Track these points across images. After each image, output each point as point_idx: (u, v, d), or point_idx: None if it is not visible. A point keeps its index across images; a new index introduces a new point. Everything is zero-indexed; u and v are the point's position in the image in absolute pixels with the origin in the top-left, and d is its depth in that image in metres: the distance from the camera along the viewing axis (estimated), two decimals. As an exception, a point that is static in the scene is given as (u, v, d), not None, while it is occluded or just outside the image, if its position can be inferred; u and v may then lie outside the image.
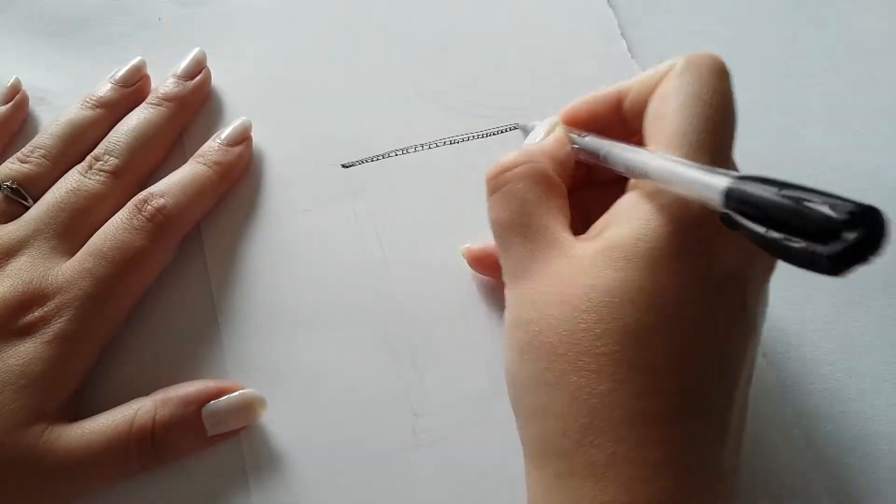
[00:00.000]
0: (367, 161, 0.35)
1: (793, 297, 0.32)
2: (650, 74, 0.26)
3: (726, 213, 0.20)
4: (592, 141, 0.27)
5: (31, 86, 0.36)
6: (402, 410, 0.30)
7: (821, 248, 0.17)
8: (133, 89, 0.35)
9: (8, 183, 0.31)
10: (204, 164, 0.33)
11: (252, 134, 0.35)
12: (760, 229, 0.19)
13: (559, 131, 0.28)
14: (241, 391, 0.29)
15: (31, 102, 0.36)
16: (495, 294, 0.32)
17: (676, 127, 0.24)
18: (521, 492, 0.24)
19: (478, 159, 0.35)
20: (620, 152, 0.25)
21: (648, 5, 0.39)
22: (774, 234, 0.18)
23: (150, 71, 0.36)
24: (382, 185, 0.34)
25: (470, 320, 0.31)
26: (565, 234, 0.25)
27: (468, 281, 0.32)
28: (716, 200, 0.20)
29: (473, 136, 0.35)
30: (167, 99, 0.34)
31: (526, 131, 0.31)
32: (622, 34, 0.38)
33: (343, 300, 0.32)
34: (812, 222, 0.18)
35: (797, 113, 0.36)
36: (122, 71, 0.35)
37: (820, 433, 0.30)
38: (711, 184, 0.20)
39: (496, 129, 0.36)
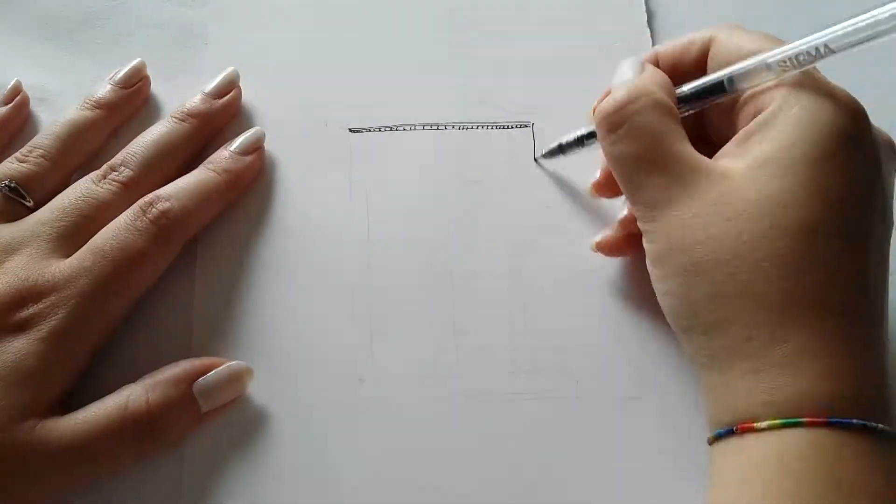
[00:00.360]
0: (374, 130, 0.35)
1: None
2: (687, 38, 0.28)
3: None
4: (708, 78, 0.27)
5: (31, 86, 0.36)
6: (350, 375, 0.31)
7: None
8: (133, 90, 0.35)
9: (6, 182, 0.31)
10: (213, 170, 0.32)
11: (264, 139, 0.35)
12: None
13: (650, 66, 0.28)
14: (227, 364, 0.29)
15: (31, 103, 0.36)
16: (469, 281, 0.32)
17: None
18: (447, 465, 0.27)
19: (482, 148, 0.35)
20: (777, 55, 0.25)
21: (686, 26, 0.39)
22: None
23: (150, 72, 0.36)
24: (383, 157, 0.35)
25: (433, 301, 0.32)
26: (702, 158, 0.26)
27: (443, 262, 0.33)
28: None
29: (483, 126, 0.36)
30: (192, 115, 0.34)
31: (562, 150, 0.33)
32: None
33: (318, 260, 0.33)
34: None
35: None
36: (122, 72, 0.35)
37: None
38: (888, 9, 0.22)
39: (507, 123, 0.36)
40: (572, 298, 0.32)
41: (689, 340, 0.26)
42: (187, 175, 0.32)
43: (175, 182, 0.32)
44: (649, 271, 0.27)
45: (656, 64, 0.29)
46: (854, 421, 0.22)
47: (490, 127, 0.36)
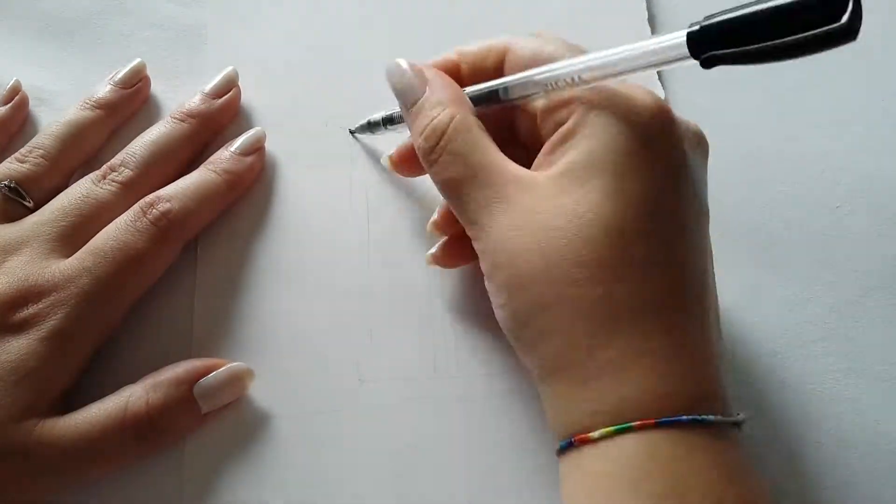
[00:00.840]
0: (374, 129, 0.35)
1: (793, 296, 0.32)
2: (486, 44, 0.29)
3: (707, 57, 0.21)
4: (486, 84, 0.28)
5: (31, 86, 0.36)
6: (350, 375, 0.31)
7: (828, 27, 0.18)
8: (133, 91, 0.35)
9: (6, 182, 0.31)
10: (214, 171, 0.32)
11: (265, 140, 0.35)
12: (754, 47, 0.20)
13: (433, 73, 0.29)
14: (228, 365, 0.29)
15: (31, 103, 0.36)
16: (469, 281, 0.32)
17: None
18: (446, 465, 0.27)
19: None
20: (542, 73, 0.26)
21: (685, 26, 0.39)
22: (770, 43, 0.20)
23: (150, 72, 0.36)
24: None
25: (433, 301, 0.32)
26: (514, 167, 0.26)
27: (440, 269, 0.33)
28: (682, 52, 0.21)
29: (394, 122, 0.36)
30: (191, 115, 0.34)
31: (370, 126, 0.33)
32: None
33: (318, 260, 0.33)
34: (799, 7, 0.19)
35: (797, 113, 0.36)
36: (122, 73, 0.35)
37: (820, 433, 0.30)
38: (671, 41, 0.22)
39: None
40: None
41: (521, 353, 0.26)
42: (188, 176, 0.32)
43: (176, 183, 0.32)
44: (486, 287, 0.27)
45: (456, 66, 0.30)
46: (683, 417, 0.22)
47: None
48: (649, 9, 0.38)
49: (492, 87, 0.28)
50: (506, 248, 0.25)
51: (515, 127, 0.30)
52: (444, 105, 0.27)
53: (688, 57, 0.21)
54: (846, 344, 0.31)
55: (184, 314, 0.32)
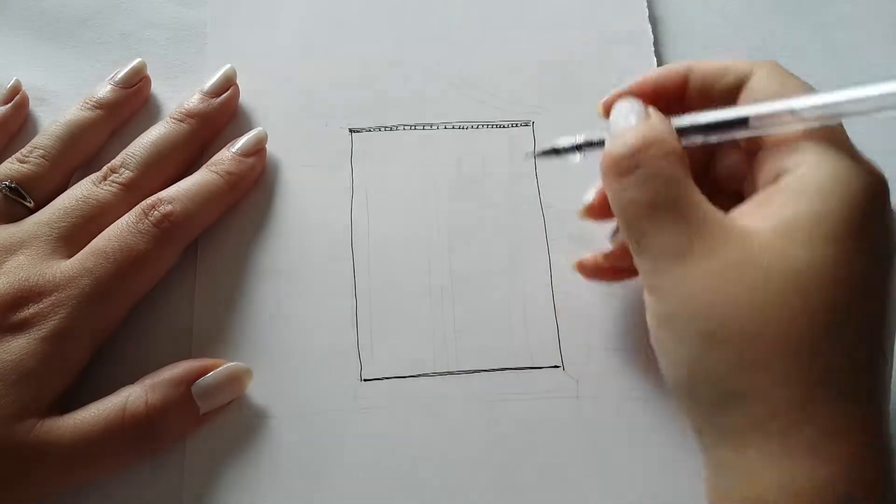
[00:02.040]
0: (374, 130, 0.35)
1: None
2: (726, 64, 0.27)
3: None
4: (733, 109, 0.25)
5: (31, 86, 0.36)
6: (350, 375, 0.31)
7: None
8: (133, 91, 0.35)
9: (7, 182, 0.31)
10: (216, 172, 0.32)
11: (266, 140, 0.34)
12: None
13: (655, 112, 0.26)
14: (226, 365, 0.29)
15: (31, 103, 0.36)
16: (468, 281, 0.32)
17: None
18: (446, 465, 0.27)
19: (482, 147, 0.35)
20: (798, 103, 0.24)
21: (688, 27, 0.39)
22: None
23: (150, 72, 0.36)
24: (383, 157, 0.35)
25: (433, 301, 0.32)
26: (719, 212, 0.24)
27: (443, 263, 0.33)
28: None
29: (483, 126, 0.36)
30: (190, 115, 0.34)
31: (556, 153, 0.30)
32: (655, 52, 0.37)
33: (318, 260, 0.33)
34: None
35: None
36: (122, 72, 0.35)
37: None
38: None
39: (507, 123, 0.36)
40: (572, 298, 0.32)
41: (698, 413, 0.24)
42: (189, 177, 0.32)
43: (177, 184, 0.32)
44: (651, 330, 0.25)
45: (682, 81, 0.28)
46: None
47: (490, 127, 0.36)
48: (650, 8, 0.38)
49: (734, 115, 0.25)
50: (702, 296, 0.23)
51: (714, 167, 0.29)
52: (653, 129, 0.25)
53: None
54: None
55: (184, 314, 0.32)
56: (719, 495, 0.23)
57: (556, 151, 0.30)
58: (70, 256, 0.30)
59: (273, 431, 0.30)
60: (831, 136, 0.24)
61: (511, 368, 0.31)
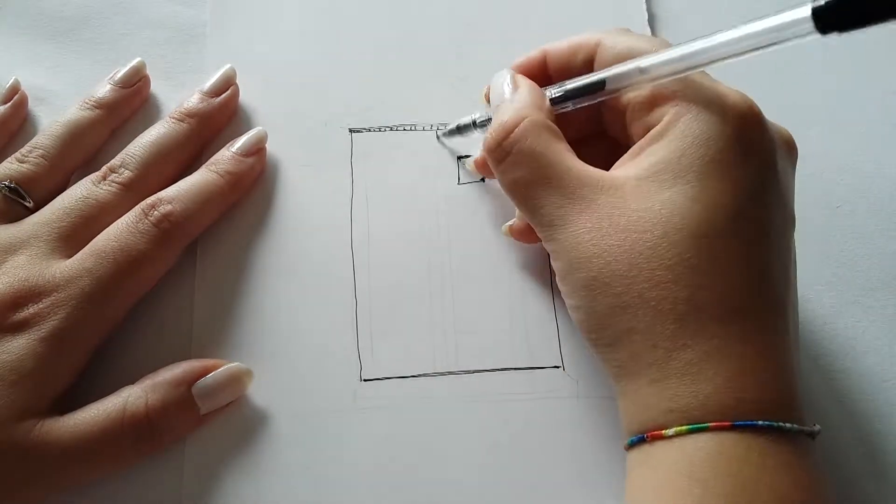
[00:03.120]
0: (374, 130, 0.35)
1: (793, 297, 0.32)
2: (576, 41, 0.29)
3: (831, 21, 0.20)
4: (584, 78, 0.28)
5: (31, 86, 0.36)
6: (350, 375, 0.31)
7: None
8: (132, 90, 0.35)
9: (6, 182, 0.31)
10: (216, 172, 0.32)
11: (266, 141, 0.34)
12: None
13: (524, 81, 0.29)
14: (226, 366, 0.29)
15: (31, 102, 0.36)
16: (468, 281, 0.32)
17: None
18: (446, 465, 0.28)
19: (482, 147, 0.35)
20: (647, 62, 0.25)
21: (688, 27, 0.39)
22: None
23: (149, 72, 0.36)
24: (383, 157, 0.35)
25: (433, 301, 0.32)
26: (592, 171, 0.26)
27: (443, 263, 0.33)
28: (807, 27, 0.20)
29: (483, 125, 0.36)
30: (189, 115, 0.34)
31: (459, 130, 0.33)
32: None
33: (318, 260, 0.33)
34: None
35: (797, 113, 0.36)
36: (122, 72, 0.35)
37: (820, 433, 0.30)
38: (795, 16, 0.21)
39: None
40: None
41: (599, 352, 0.26)
42: (189, 177, 0.32)
43: (177, 184, 0.32)
44: (560, 289, 0.27)
45: (543, 64, 0.30)
46: (760, 422, 0.22)
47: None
48: (649, 9, 0.38)
49: (591, 80, 0.27)
50: (584, 248, 0.25)
51: (603, 123, 0.30)
52: (519, 107, 0.27)
53: (808, 32, 0.21)
54: (846, 344, 0.31)
55: (184, 314, 0.32)
56: (627, 427, 0.25)
57: (458, 129, 0.33)
58: (70, 256, 0.30)
59: (273, 431, 0.30)
60: (690, 81, 0.26)
61: (511, 368, 0.31)
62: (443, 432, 0.30)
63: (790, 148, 0.27)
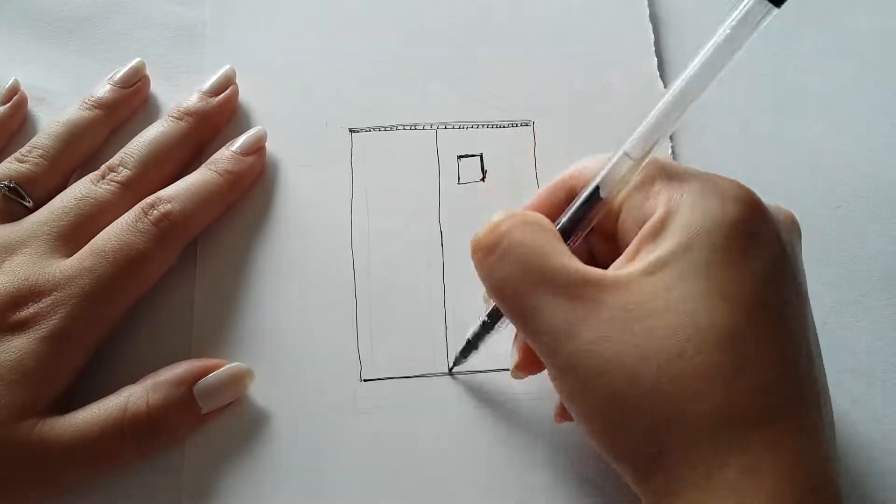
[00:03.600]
0: (374, 130, 0.35)
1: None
2: (549, 189, 0.27)
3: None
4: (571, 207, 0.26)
5: (31, 86, 0.36)
6: (350, 375, 0.31)
7: None
8: (132, 90, 0.35)
9: (6, 182, 0.31)
10: (215, 171, 0.32)
11: (266, 141, 0.34)
12: None
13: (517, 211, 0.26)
14: (227, 365, 0.29)
15: (30, 102, 0.36)
16: (468, 281, 0.31)
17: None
18: (446, 465, 0.28)
19: (483, 148, 0.35)
20: (628, 143, 0.24)
21: (688, 27, 0.39)
22: None
23: (149, 72, 0.36)
24: (383, 157, 0.35)
25: (433, 301, 0.32)
26: (591, 268, 0.23)
27: (443, 263, 0.33)
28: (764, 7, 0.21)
29: (483, 126, 0.36)
30: (189, 114, 0.34)
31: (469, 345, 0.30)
32: (655, 52, 0.37)
33: (318, 260, 0.33)
34: None
35: (797, 113, 0.36)
36: (122, 72, 0.35)
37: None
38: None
39: (507, 123, 0.36)
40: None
41: (627, 474, 0.23)
42: (189, 176, 0.32)
43: (177, 183, 0.32)
44: (569, 410, 0.24)
45: (568, 195, 0.27)
46: None
47: (490, 127, 0.36)
48: (650, 8, 0.38)
49: (586, 193, 0.25)
50: (599, 359, 0.22)
51: (595, 260, 0.28)
52: (511, 210, 0.25)
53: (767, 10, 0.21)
54: (846, 344, 0.31)
55: (184, 314, 0.32)
56: None
57: (470, 345, 0.30)
58: (69, 256, 0.30)
59: (273, 431, 0.30)
60: (678, 172, 0.24)
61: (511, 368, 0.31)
62: (443, 432, 0.30)
63: (794, 226, 0.25)
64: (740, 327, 0.21)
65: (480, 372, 0.31)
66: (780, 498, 0.20)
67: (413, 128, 0.36)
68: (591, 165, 0.27)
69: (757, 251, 0.23)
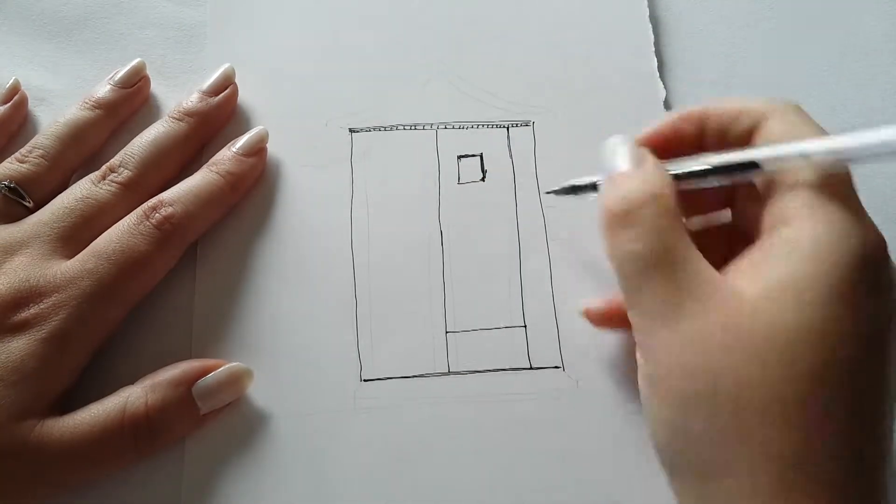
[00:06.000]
0: (374, 130, 0.35)
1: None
2: (740, 106, 0.26)
3: None
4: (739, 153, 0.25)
5: (31, 86, 0.36)
6: (350, 375, 0.31)
7: None
8: (133, 90, 0.35)
9: (6, 182, 0.31)
10: (217, 172, 0.32)
11: (266, 138, 0.34)
12: None
13: (651, 159, 0.26)
14: (227, 366, 0.29)
15: (31, 102, 0.36)
16: (468, 281, 0.32)
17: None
18: (446, 465, 0.28)
19: (483, 148, 0.35)
20: (811, 146, 0.23)
21: (688, 27, 0.39)
22: None
23: (149, 72, 0.36)
24: (383, 157, 0.35)
25: (433, 301, 0.32)
26: (713, 271, 0.23)
27: (443, 263, 0.33)
28: None
29: (483, 126, 0.36)
30: (189, 114, 0.34)
31: (574, 190, 0.31)
32: (655, 52, 0.37)
33: (318, 260, 0.33)
34: None
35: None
36: (122, 72, 0.35)
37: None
38: None
39: (507, 123, 0.36)
40: (572, 298, 0.32)
41: (680, 481, 0.23)
42: (190, 178, 0.32)
43: (178, 185, 0.32)
44: (640, 389, 0.24)
45: (698, 127, 0.27)
46: None
47: (490, 127, 0.36)
48: (650, 8, 0.38)
49: (745, 158, 0.25)
50: (692, 356, 0.22)
51: (735, 208, 0.28)
52: (648, 180, 0.25)
53: None
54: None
55: (184, 314, 0.32)
56: None
57: (573, 189, 0.31)
58: (70, 256, 0.30)
59: (273, 431, 0.30)
60: (836, 188, 0.23)
61: (511, 369, 0.31)
62: (443, 432, 0.30)
63: None
64: (837, 372, 0.21)
65: (480, 372, 0.31)
66: None
67: (413, 128, 0.36)
68: (728, 110, 0.26)
69: (872, 301, 0.22)
